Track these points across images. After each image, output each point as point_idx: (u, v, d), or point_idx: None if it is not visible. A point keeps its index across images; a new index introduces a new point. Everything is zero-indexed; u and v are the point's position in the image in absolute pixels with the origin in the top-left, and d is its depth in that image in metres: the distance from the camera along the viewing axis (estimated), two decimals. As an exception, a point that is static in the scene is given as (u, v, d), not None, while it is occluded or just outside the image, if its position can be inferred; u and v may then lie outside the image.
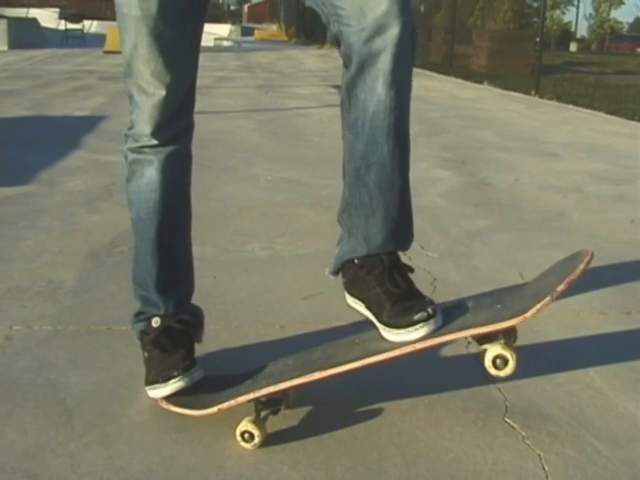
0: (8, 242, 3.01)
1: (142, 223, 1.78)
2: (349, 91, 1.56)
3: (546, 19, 15.98)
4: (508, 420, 1.75)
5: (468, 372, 2.00)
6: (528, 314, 1.49)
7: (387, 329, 1.59)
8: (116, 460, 1.56)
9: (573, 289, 2.61)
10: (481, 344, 1.56)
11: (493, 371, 1.52)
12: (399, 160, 1.58)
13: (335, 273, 1.71)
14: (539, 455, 1.61)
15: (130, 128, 1.75)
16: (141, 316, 1.84)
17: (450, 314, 1.62)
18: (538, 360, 2.08)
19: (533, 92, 10.66)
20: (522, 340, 2.17)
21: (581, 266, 1.53)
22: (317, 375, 1.58)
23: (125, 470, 1.52)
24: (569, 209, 3.83)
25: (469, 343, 2.14)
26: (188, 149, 1.80)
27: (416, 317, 1.55)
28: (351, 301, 1.69)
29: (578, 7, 65.17)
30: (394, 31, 1.47)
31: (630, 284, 2.70)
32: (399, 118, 1.55)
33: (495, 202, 3.97)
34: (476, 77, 13.25)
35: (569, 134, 6.82)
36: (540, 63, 11.50)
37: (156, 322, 1.80)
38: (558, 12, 58.91)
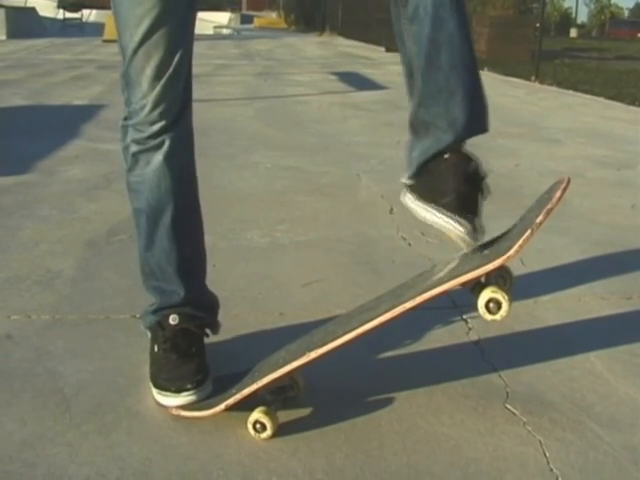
0: (6, 231, 3.00)
1: (154, 211, 1.75)
2: None
3: (546, 5, 15.90)
4: (509, 406, 1.74)
5: (468, 358, 1.99)
6: (512, 252, 1.47)
7: (441, 211, 1.59)
8: (115, 449, 1.55)
9: (574, 274, 2.63)
10: (475, 292, 1.53)
11: (488, 316, 1.50)
12: (465, 33, 1.58)
13: (416, 175, 1.67)
14: (540, 441, 1.60)
15: (128, 118, 1.71)
16: (158, 312, 1.82)
17: (441, 269, 1.63)
18: (539, 346, 2.07)
19: (533, 78, 10.62)
20: (522, 326, 2.18)
21: (557, 194, 1.52)
22: (313, 354, 1.56)
23: (124, 459, 1.52)
24: (570, 194, 3.76)
25: (469, 329, 2.14)
26: (191, 126, 1.78)
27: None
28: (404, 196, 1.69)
29: (578, -8, 65.01)
30: None
31: (631, 269, 2.69)
32: None
33: (495, 188, 3.90)
34: (476, 63, 13.19)
35: (569, 120, 6.79)
36: (540, 49, 11.45)
37: (174, 319, 1.78)
38: (558, -3, 58.69)
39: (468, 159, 1.62)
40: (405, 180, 1.69)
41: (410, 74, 1.65)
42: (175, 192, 1.74)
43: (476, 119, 1.61)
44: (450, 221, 1.57)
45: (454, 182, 1.59)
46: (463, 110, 1.59)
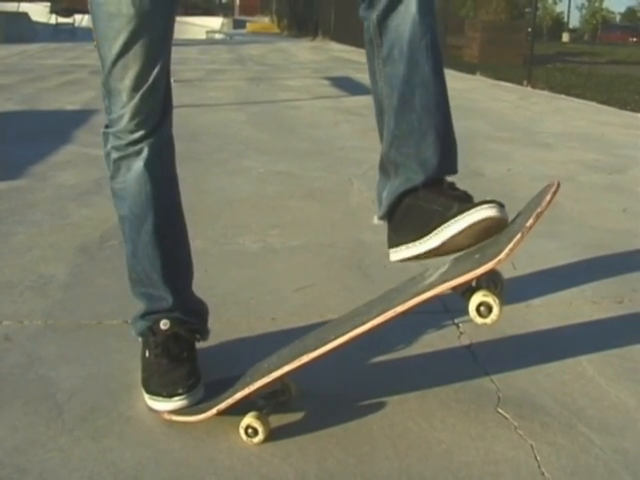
0: (-2, 237, 2.99)
1: (136, 217, 1.76)
2: (380, 25, 1.57)
3: (538, 9, 15.96)
4: (500, 410, 1.74)
5: (460, 363, 2.00)
6: (502, 255, 1.46)
7: (458, 216, 1.53)
8: (107, 455, 1.55)
9: (565, 278, 2.64)
10: (466, 296, 1.52)
11: (479, 320, 1.49)
12: (440, 77, 1.59)
13: (388, 214, 1.67)
14: (531, 445, 1.61)
15: (109, 126, 1.73)
16: (146, 316, 1.83)
17: (432, 274, 1.63)
18: (530, 350, 2.08)
19: (525, 82, 10.65)
20: (514, 330, 2.18)
21: (547, 197, 1.51)
22: (305, 358, 1.56)
23: (116, 465, 1.52)
24: (561, 198, 3.79)
25: (461, 334, 2.14)
26: (171, 133, 1.79)
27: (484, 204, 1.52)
28: (396, 253, 1.69)
29: (570, -3, 65.31)
30: None
31: (622, 273, 2.70)
32: (433, 36, 1.57)
33: (487, 192, 3.92)
34: (468, 68, 13.23)
35: (561, 124, 6.81)
36: (532, 53, 11.49)
37: (165, 324, 1.79)
38: (550, 2, 58.92)
39: (439, 180, 1.61)
40: (376, 221, 1.70)
41: (380, 113, 1.65)
42: (156, 199, 1.75)
43: (447, 160, 1.61)
44: (475, 212, 1.50)
45: (444, 197, 1.57)
46: (434, 151, 1.58)
